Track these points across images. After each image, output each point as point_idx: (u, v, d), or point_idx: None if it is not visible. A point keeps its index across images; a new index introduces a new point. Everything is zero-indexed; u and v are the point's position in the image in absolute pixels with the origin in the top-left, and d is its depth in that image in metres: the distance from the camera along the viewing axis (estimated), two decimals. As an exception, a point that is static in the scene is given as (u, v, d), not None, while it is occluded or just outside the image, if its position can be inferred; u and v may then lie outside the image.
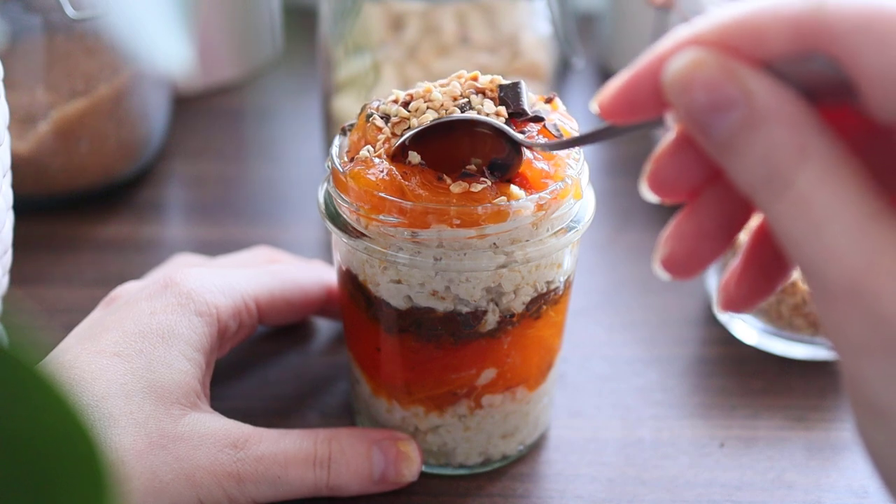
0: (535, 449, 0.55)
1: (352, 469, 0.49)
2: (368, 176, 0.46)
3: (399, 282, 0.47)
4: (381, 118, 0.48)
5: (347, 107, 0.72)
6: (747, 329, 0.62)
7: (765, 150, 0.31)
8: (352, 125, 0.50)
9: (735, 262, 0.39)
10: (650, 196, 0.37)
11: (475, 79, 0.49)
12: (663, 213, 0.73)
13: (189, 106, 0.88)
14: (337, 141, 0.49)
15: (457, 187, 0.45)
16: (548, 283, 0.48)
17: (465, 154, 0.46)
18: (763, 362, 0.61)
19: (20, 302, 0.63)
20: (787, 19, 0.31)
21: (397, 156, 0.46)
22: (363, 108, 0.49)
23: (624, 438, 0.55)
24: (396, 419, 0.52)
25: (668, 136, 0.36)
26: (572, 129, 0.49)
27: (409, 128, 0.47)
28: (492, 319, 0.48)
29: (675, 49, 0.33)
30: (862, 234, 0.30)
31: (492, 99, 0.48)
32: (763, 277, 0.38)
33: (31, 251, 0.69)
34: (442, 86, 0.49)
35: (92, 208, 0.75)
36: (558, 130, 0.48)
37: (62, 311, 0.64)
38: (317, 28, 0.74)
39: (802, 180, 0.31)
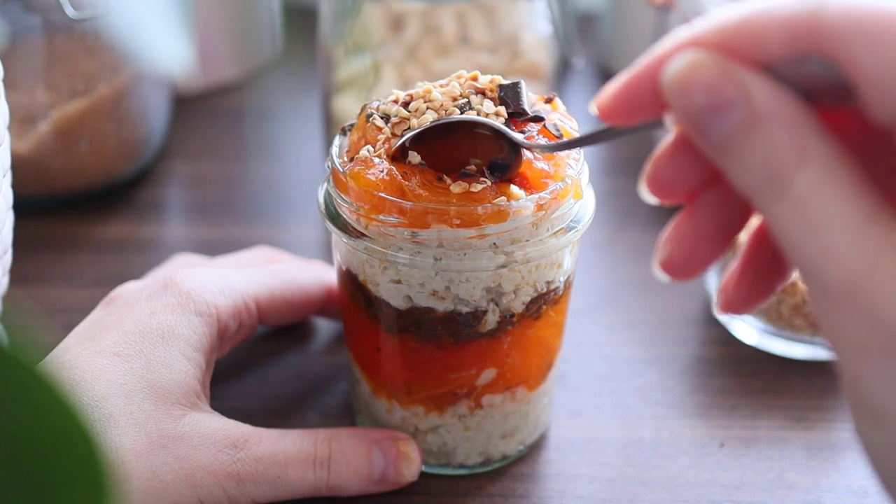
0: (535, 449, 0.55)
1: (352, 469, 0.49)
2: (368, 176, 0.46)
3: (399, 282, 0.47)
4: (381, 118, 0.48)
5: (347, 107, 0.72)
6: (747, 329, 0.62)
7: (764, 152, 0.31)
8: (352, 125, 0.50)
9: (734, 263, 0.39)
10: (649, 198, 0.37)
11: (475, 79, 0.49)
12: (663, 213, 0.73)
13: (189, 106, 0.88)
14: (337, 141, 0.49)
15: (457, 187, 0.45)
16: (548, 283, 0.48)
17: (465, 155, 0.46)
18: (763, 362, 0.61)
19: (20, 302, 0.63)
20: (785, 21, 0.31)
21: (397, 156, 0.46)
22: (363, 108, 0.49)
23: (624, 438, 0.55)
24: (396, 419, 0.52)
25: (667, 137, 0.36)
26: (572, 129, 0.49)
27: (408, 128, 0.47)
28: (492, 319, 0.48)
29: (673, 51, 0.33)
30: (861, 236, 0.30)
31: (492, 99, 0.48)
32: (762, 279, 0.38)
33: (31, 251, 0.69)
34: (442, 86, 0.49)
35: (92, 208, 0.75)
36: (558, 130, 0.48)
37: (62, 311, 0.64)
38: (317, 28, 0.74)
39: (801, 182, 0.31)
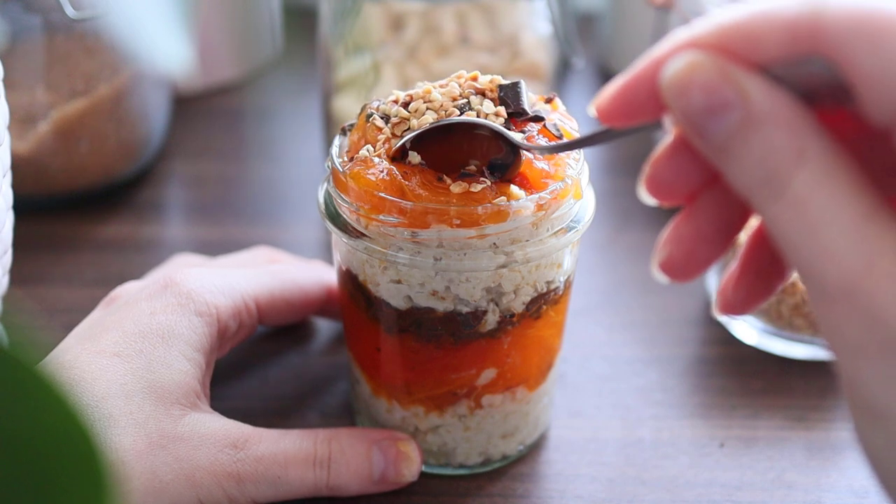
0: (535, 449, 0.55)
1: (352, 469, 0.49)
2: (368, 176, 0.46)
3: (399, 282, 0.47)
4: (382, 118, 0.48)
5: (347, 107, 0.72)
6: (747, 329, 0.62)
7: (762, 153, 0.31)
8: (352, 125, 0.50)
9: (733, 265, 0.39)
10: (648, 199, 0.37)
11: (475, 79, 0.49)
12: (663, 213, 0.73)
13: (189, 106, 0.88)
14: (337, 141, 0.49)
15: (457, 187, 0.45)
16: (548, 283, 0.48)
17: (465, 155, 0.46)
18: (763, 362, 0.61)
19: (20, 302, 0.63)
20: (783, 22, 0.31)
21: (397, 157, 0.46)
22: (363, 108, 0.49)
23: (624, 438, 0.55)
24: (396, 419, 0.52)
25: (665, 139, 0.36)
26: (572, 129, 0.49)
27: (408, 128, 0.47)
28: (492, 319, 0.48)
29: (672, 52, 0.33)
30: (859, 236, 0.30)
31: (492, 99, 0.48)
32: (761, 280, 0.38)
33: (31, 251, 0.69)
34: (441, 86, 0.49)
35: (92, 208, 0.75)
36: (558, 130, 0.48)
37: (62, 311, 0.64)
38: (317, 28, 0.74)
39: (799, 182, 0.31)
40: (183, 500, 0.45)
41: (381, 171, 0.46)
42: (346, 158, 0.48)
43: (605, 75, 0.93)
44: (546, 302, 0.49)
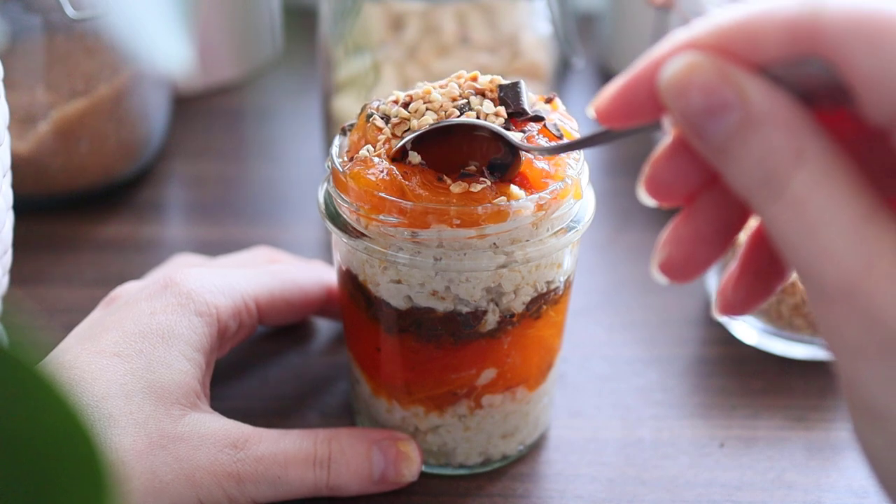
0: (535, 449, 0.55)
1: (352, 469, 0.49)
2: (368, 176, 0.46)
3: (399, 282, 0.47)
4: (382, 118, 0.48)
5: (347, 107, 0.72)
6: (747, 329, 0.62)
7: (761, 154, 0.31)
8: (352, 125, 0.50)
9: (732, 265, 0.39)
10: (647, 200, 0.37)
11: (474, 79, 0.49)
12: (663, 213, 0.73)
13: (189, 106, 0.88)
14: (337, 141, 0.49)
15: (457, 187, 0.45)
16: (548, 283, 0.48)
17: (464, 156, 0.46)
18: (763, 362, 0.61)
19: (20, 302, 0.63)
20: (782, 23, 0.31)
21: (397, 158, 0.46)
22: (363, 108, 0.49)
23: (624, 438, 0.55)
24: (396, 419, 0.52)
25: (665, 140, 0.36)
26: (572, 129, 0.49)
27: (409, 129, 0.47)
28: (492, 319, 0.48)
29: (670, 53, 0.33)
30: (858, 237, 0.30)
31: (492, 99, 0.48)
32: (760, 281, 0.38)
33: (31, 251, 0.69)
34: (441, 87, 0.49)
35: (92, 208, 0.75)
36: (558, 130, 0.48)
37: (62, 311, 0.64)
38: (317, 28, 0.74)
39: (798, 183, 0.31)
40: (183, 500, 0.45)
41: (381, 171, 0.46)
42: (346, 158, 0.48)
43: (605, 75, 0.93)
44: (546, 302, 0.49)
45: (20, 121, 0.70)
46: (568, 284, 0.51)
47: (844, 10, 0.30)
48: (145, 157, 0.78)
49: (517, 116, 0.47)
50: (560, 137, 0.47)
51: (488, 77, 0.49)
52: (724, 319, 0.63)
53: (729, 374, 0.60)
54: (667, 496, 0.52)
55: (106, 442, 0.28)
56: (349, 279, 0.50)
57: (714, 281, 0.65)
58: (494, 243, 0.45)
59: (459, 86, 0.49)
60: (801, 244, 0.31)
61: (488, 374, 0.50)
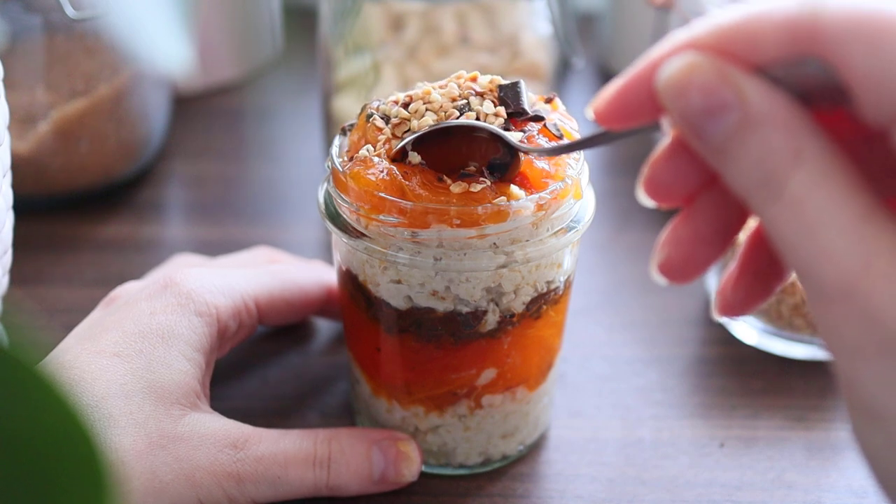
0: (535, 449, 0.55)
1: (352, 469, 0.49)
2: (368, 176, 0.46)
3: (399, 282, 0.47)
4: (382, 119, 0.48)
5: (347, 107, 0.72)
6: (747, 329, 0.62)
7: (759, 154, 0.31)
8: (352, 125, 0.50)
9: (731, 266, 0.39)
10: (647, 201, 0.37)
11: (474, 80, 0.49)
12: (663, 213, 0.73)
13: (189, 106, 0.88)
14: (337, 141, 0.49)
15: (457, 187, 0.45)
16: (548, 283, 0.48)
17: (464, 157, 0.46)
18: (763, 362, 0.61)
19: (20, 302, 0.63)
20: (781, 24, 0.31)
21: (397, 158, 0.46)
22: (363, 108, 0.49)
23: (624, 438, 0.55)
24: (396, 419, 0.52)
25: (664, 141, 0.36)
26: (572, 129, 0.49)
27: (409, 129, 0.47)
28: (492, 319, 0.48)
29: (669, 54, 0.33)
30: (856, 237, 0.30)
31: (491, 100, 0.48)
32: (759, 281, 0.38)
33: (31, 251, 0.69)
34: (441, 87, 0.49)
35: (92, 208, 0.75)
36: (558, 130, 0.48)
37: (62, 311, 0.64)
38: (317, 28, 0.74)
39: (796, 183, 0.31)
40: (183, 500, 0.45)
41: (381, 171, 0.46)
42: (346, 158, 0.48)
43: (605, 75, 0.93)
44: (546, 302, 0.49)
45: (20, 121, 0.70)
46: (568, 284, 0.51)
47: (843, 11, 0.30)
48: (145, 157, 0.78)
49: (517, 116, 0.47)
50: (560, 137, 0.47)
51: (488, 77, 0.49)
52: (723, 320, 0.63)
53: (729, 374, 0.60)
54: (667, 496, 0.52)
55: (106, 442, 0.28)
56: (349, 279, 0.50)
57: (714, 281, 0.65)
58: (494, 243, 0.45)
59: (459, 86, 0.49)
60: (800, 244, 0.31)
61: (488, 374, 0.50)
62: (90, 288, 0.66)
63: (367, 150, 0.47)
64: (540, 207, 0.46)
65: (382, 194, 0.45)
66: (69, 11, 0.65)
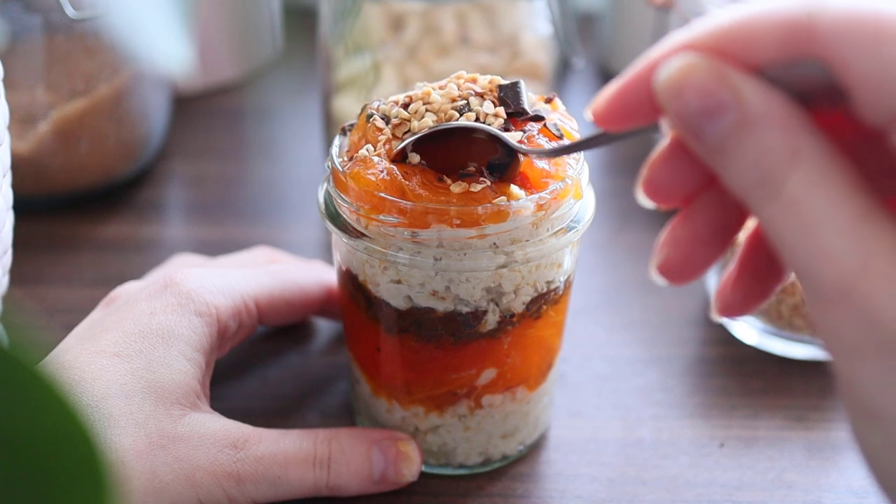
0: (535, 449, 0.55)
1: (352, 469, 0.49)
2: (368, 176, 0.46)
3: (399, 282, 0.47)
4: (382, 119, 0.48)
5: (347, 107, 0.72)
6: (747, 329, 0.62)
7: (756, 154, 0.32)
8: (352, 125, 0.50)
9: (730, 267, 0.39)
10: (646, 201, 0.37)
11: (473, 80, 0.49)
12: (663, 213, 0.73)
13: (189, 106, 0.88)
14: (337, 141, 0.50)
15: (457, 187, 0.45)
16: (548, 283, 0.48)
17: (464, 158, 0.46)
18: (763, 362, 0.61)
19: (20, 302, 0.63)
20: (779, 24, 0.31)
21: (397, 159, 0.46)
22: (363, 108, 0.50)
23: (624, 438, 0.55)
24: (396, 419, 0.52)
25: (662, 141, 0.36)
26: (572, 129, 0.49)
27: (409, 130, 0.47)
28: (492, 319, 0.48)
29: (667, 55, 0.33)
30: (854, 236, 0.30)
31: (491, 100, 0.48)
32: (758, 282, 0.38)
33: (31, 251, 0.69)
34: (440, 87, 0.49)
35: (92, 208, 0.75)
36: (558, 130, 0.48)
37: (62, 311, 0.64)
38: (317, 28, 0.74)
39: (794, 183, 0.31)
40: (183, 501, 0.45)
41: (381, 171, 0.46)
42: (346, 158, 0.48)
43: (605, 75, 0.93)
44: (546, 302, 0.49)
45: (20, 121, 0.70)
46: (568, 284, 0.51)
47: (841, 11, 0.30)
48: (145, 157, 0.78)
49: (517, 116, 0.47)
50: (560, 137, 0.47)
51: (487, 77, 0.49)
52: (722, 320, 0.63)
53: (729, 374, 0.60)
54: (667, 496, 0.52)
55: (106, 442, 0.28)
56: (349, 279, 0.50)
57: (714, 281, 0.65)
58: (494, 243, 0.45)
59: (459, 86, 0.49)
60: (798, 244, 0.31)
61: (488, 374, 0.50)
62: (90, 288, 0.66)
63: (367, 150, 0.47)
64: (540, 207, 0.46)
65: (382, 194, 0.45)
66: (69, 11, 0.65)
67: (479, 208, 0.44)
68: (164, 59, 0.32)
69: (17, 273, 0.57)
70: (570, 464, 0.54)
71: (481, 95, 0.48)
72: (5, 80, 0.53)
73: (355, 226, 0.47)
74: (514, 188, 0.45)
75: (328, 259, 0.65)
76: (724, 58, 0.32)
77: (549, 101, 0.50)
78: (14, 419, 0.21)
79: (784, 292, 0.59)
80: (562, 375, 0.59)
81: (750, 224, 0.38)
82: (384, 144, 0.47)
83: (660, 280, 0.37)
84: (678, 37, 0.34)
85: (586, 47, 0.92)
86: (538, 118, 0.48)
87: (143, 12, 0.32)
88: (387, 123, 0.48)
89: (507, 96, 0.48)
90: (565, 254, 0.49)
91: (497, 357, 0.49)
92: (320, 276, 0.58)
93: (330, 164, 0.48)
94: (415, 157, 0.46)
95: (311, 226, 0.74)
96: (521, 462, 0.54)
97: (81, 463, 0.22)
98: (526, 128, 0.47)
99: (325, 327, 0.63)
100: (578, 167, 0.48)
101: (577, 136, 0.49)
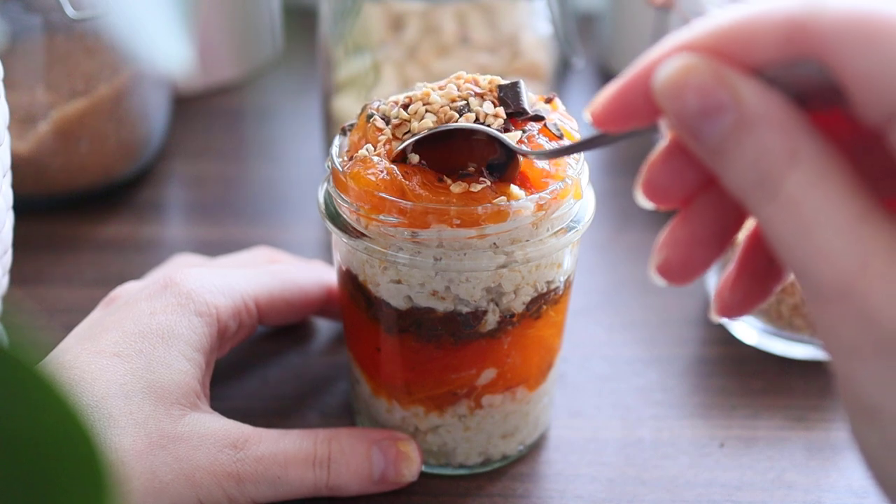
0: (535, 449, 0.55)
1: (352, 469, 0.49)
2: (368, 176, 0.46)
3: (399, 282, 0.47)
4: (382, 119, 0.48)
5: (347, 107, 0.72)
6: (747, 329, 0.62)
7: (755, 154, 0.32)
8: (352, 125, 0.50)
9: (729, 267, 0.39)
10: (645, 202, 0.37)
11: (476, 82, 0.49)
12: (663, 213, 0.73)
13: (189, 106, 0.88)
14: (337, 141, 0.50)
15: (457, 187, 0.45)
16: (548, 283, 0.48)
17: (463, 159, 0.46)
18: (763, 362, 0.61)
19: (20, 302, 0.63)
20: (777, 25, 0.31)
21: (397, 160, 0.46)
22: (363, 109, 0.50)
23: (624, 438, 0.55)
24: (396, 419, 0.52)
25: (661, 142, 0.36)
26: (572, 129, 0.49)
27: (409, 131, 0.47)
28: (492, 319, 0.48)
29: (666, 56, 0.33)
30: (853, 236, 0.30)
31: (491, 100, 0.48)
32: (757, 282, 0.38)
33: (31, 251, 0.69)
34: (440, 87, 0.49)
35: (92, 208, 0.75)
36: (558, 130, 0.48)
37: (62, 311, 0.64)
38: (317, 28, 0.74)
39: (792, 183, 0.31)
40: (183, 501, 0.46)
41: (381, 171, 0.46)
42: (346, 158, 0.48)
43: (605, 75, 0.93)
44: (546, 302, 0.49)
45: (20, 121, 0.70)
46: (568, 284, 0.51)
47: (839, 12, 0.30)
48: (145, 157, 0.78)
49: (517, 116, 0.47)
50: (560, 137, 0.47)
51: (487, 77, 0.49)
52: (722, 320, 0.63)
53: (729, 374, 0.60)
54: (667, 496, 0.52)
55: (106, 442, 0.28)
56: (349, 279, 0.50)
57: (714, 281, 0.65)
58: (494, 243, 0.45)
59: (458, 87, 0.49)
60: (797, 244, 0.31)
61: (488, 374, 0.50)
62: (90, 288, 0.66)
63: (367, 150, 0.47)
64: (540, 207, 0.46)
65: (382, 194, 0.45)
66: (69, 11, 0.65)
67: (479, 208, 0.44)
68: (164, 59, 0.32)
69: (17, 273, 0.57)
70: (570, 464, 0.54)
71: (481, 96, 0.48)
72: (5, 80, 0.53)
73: (355, 226, 0.47)
74: (514, 188, 0.45)
75: (328, 259, 0.65)
76: (723, 58, 0.32)
77: (549, 101, 0.50)
78: (14, 419, 0.21)
79: (784, 292, 0.59)
80: (562, 375, 0.59)
81: (749, 224, 0.38)
82: (384, 145, 0.47)
83: (659, 280, 0.37)
84: (677, 37, 0.34)
85: (586, 47, 0.92)
86: (538, 118, 0.48)
87: (143, 12, 0.32)
88: (387, 124, 0.48)
89: (507, 96, 0.48)
90: (565, 254, 0.49)
91: (497, 357, 0.49)
92: (320, 276, 0.58)
93: (330, 164, 0.48)
94: (415, 158, 0.46)
95: (311, 226, 0.74)
96: (521, 462, 0.54)
97: (81, 463, 0.22)
98: (526, 128, 0.47)
99: (325, 327, 0.63)
100: (578, 167, 0.48)
101: (577, 137, 0.49)
